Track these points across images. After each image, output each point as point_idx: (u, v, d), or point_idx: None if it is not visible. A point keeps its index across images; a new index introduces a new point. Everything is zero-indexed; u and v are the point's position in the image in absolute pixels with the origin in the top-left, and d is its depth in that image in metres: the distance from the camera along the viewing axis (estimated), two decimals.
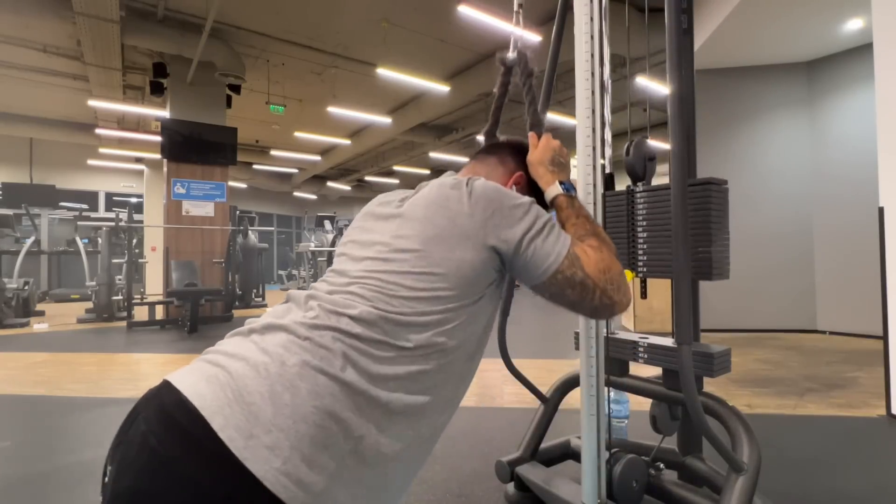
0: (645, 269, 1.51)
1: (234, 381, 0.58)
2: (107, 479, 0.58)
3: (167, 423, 0.56)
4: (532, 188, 0.94)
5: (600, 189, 1.35)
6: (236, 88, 7.08)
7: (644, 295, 1.69)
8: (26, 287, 7.11)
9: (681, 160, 1.22)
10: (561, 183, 0.89)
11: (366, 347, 0.63)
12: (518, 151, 0.98)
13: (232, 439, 0.53)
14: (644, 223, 1.51)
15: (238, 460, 0.52)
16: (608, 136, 1.48)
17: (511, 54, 1.16)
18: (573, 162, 1.04)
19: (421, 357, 0.66)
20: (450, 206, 0.75)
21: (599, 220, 1.35)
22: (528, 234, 0.73)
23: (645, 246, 1.50)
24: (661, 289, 5.18)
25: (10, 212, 8.82)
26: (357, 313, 0.65)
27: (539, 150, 0.95)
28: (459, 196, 0.75)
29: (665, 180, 1.44)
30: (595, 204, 1.33)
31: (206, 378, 0.59)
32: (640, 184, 1.56)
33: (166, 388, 0.60)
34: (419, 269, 0.69)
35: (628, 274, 1.52)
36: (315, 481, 0.54)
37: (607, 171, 1.53)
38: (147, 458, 0.54)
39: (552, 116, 8.28)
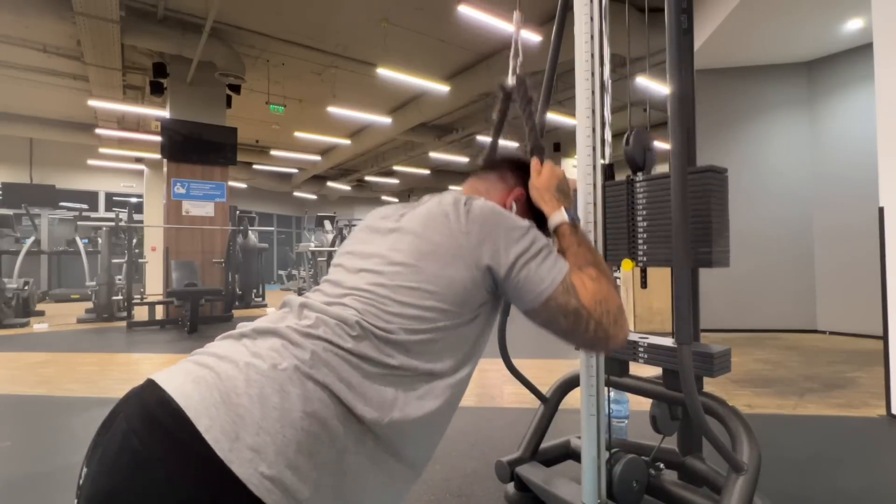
0: (645, 259, 1.50)
1: (223, 383, 0.57)
2: (82, 480, 0.56)
3: (150, 423, 0.55)
4: (531, 207, 0.94)
5: (600, 187, 1.35)
6: (236, 88, 7.08)
7: (644, 284, 1.68)
8: (26, 287, 7.11)
9: (681, 160, 1.22)
10: (566, 211, 0.89)
11: (356, 361, 0.62)
12: (518, 168, 0.97)
13: (217, 441, 0.52)
14: (644, 212, 1.51)
15: (223, 463, 0.51)
16: (608, 135, 1.48)
17: (511, 80, 1.16)
18: (573, 162, 1.04)
19: (407, 377, 0.65)
20: (447, 223, 0.74)
21: (599, 211, 1.34)
22: (523, 256, 0.72)
23: (645, 235, 1.50)
24: (661, 289, 5.18)
25: (10, 212, 8.83)
26: (349, 326, 0.64)
27: (545, 177, 0.94)
28: (457, 214, 0.75)
29: (664, 169, 1.44)
30: (595, 192, 1.33)
31: (193, 378, 0.58)
32: (639, 173, 1.55)
33: (150, 387, 0.59)
34: (411, 283, 0.69)
35: (628, 264, 1.51)
36: (300, 488, 0.54)
37: (607, 162, 1.53)
38: (128, 458, 0.53)
39: (552, 116, 8.28)
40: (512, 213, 0.80)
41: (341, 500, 0.58)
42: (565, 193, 0.93)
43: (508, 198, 0.92)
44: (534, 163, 0.98)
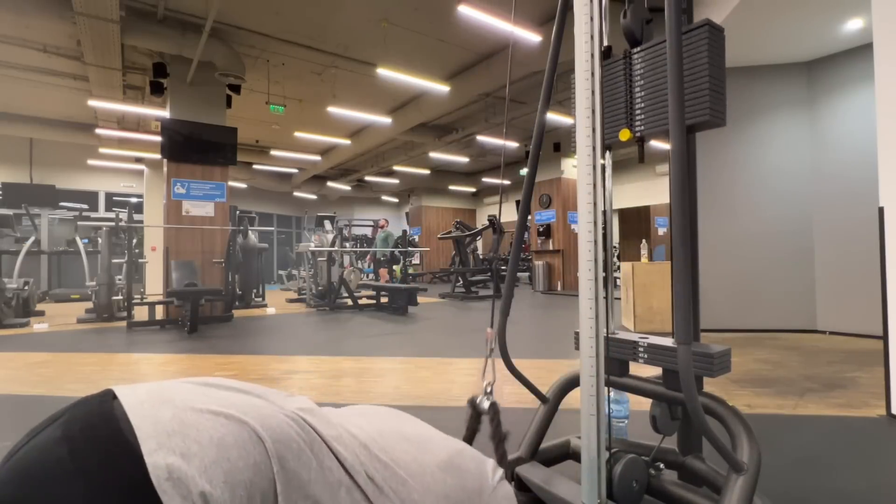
0: (642, 128, 1.49)
1: (186, 415, 0.54)
2: None
3: (89, 433, 0.51)
4: None
5: (601, 189, 1.34)
6: (236, 88, 7.09)
7: (641, 159, 1.65)
8: (26, 287, 7.11)
9: (681, 160, 1.22)
10: None
11: (317, 465, 0.60)
12: None
13: (156, 467, 0.48)
14: (641, 82, 1.49)
15: (155, 492, 0.47)
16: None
17: (485, 402, 1.18)
18: (573, 162, 1.03)
19: None
20: None
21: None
22: None
23: (642, 105, 1.48)
24: (661, 289, 5.18)
25: (10, 212, 8.83)
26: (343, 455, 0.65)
27: None
28: None
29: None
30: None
31: (157, 401, 0.55)
32: (637, 47, 1.54)
33: (104, 397, 0.56)
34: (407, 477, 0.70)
35: (625, 133, 1.50)
36: None
37: (605, 44, 1.51)
38: (49, 467, 0.48)
39: (552, 116, 8.28)
40: None
41: None
42: None
43: None
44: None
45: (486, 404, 1.18)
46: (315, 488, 0.58)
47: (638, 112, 1.49)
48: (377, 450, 0.68)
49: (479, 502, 0.74)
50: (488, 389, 1.19)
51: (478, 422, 1.20)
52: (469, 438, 1.22)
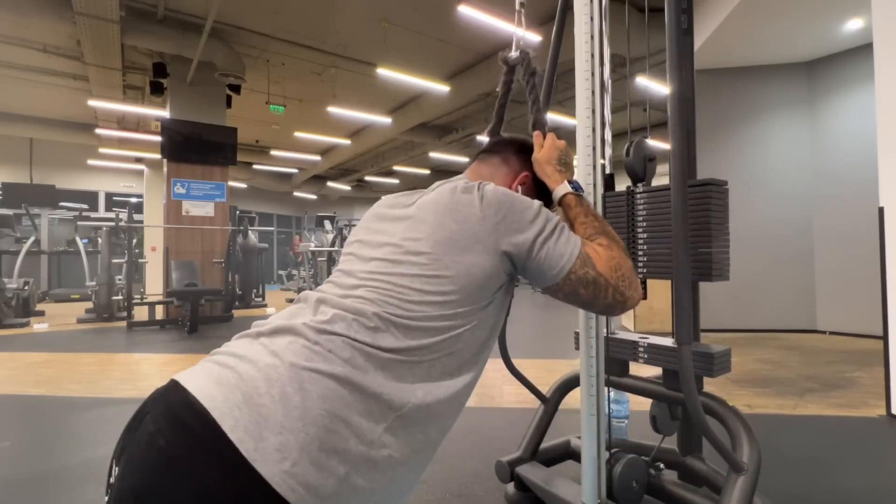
0: (645, 270, 1.51)
1: (244, 384, 0.58)
2: (112, 479, 0.58)
3: (175, 424, 0.56)
4: (537, 188, 0.94)
5: (601, 190, 1.35)
6: (236, 88, 7.09)
7: (644, 296, 1.69)
8: (26, 287, 7.11)
9: (681, 160, 1.22)
10: (569, 182, 0.90)
11: (376, 353, 0.63)
12: (521, 150, 0.97)
13: (242, 441, 0.53)
14: (644, 224, 1.51)
15: (247, 462, 0.52)
16: (608, 136, 1.48)
17: (514, 53, 1.14)
18: (574, 162, 1.04)
19: (429, 362, 0.66)
20: (461, 209, 0.75)
21: (599, 197, 1.34)
22: (540, 237, 0.74)
23: (645, 247, 1.51)
24: (661, 289, 5.17)
25: (10, 212, 8.82)
26: (367, 319, 0.65)
27: (546, 149, 0.95)
28: (471, 200, 0.75)
29: (665, 181, 1.45)
30: (596, 204, 1.33)
31: (216, 379, 0.59)
32: (640, 184, 1.56)
33: (174, 388, 0.60)
34: (430, 272, 0.69)
35: None
36: (324, 485, 0.54)
37: (608, 171, 1.53)
38: (154, 457, 0.54)
39: (552, 116, 8.28)
40: (519, 195, 0.81)
41: (369, 492, 0.58)
42: (567, 165, 0.94)
43: (514, 182, 0.93)
44: (536, 137, 0.99)
45: (513, 55, 1.13)
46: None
47: (640, 254, 1.52)
48: (385, 284, 0.70)
49: (482, 234, 0.73)
50: (520, 43, 1.15)
51: (511, 75, 1.17)
52: (505, 94, 1.19)
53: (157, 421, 0.57)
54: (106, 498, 0.58)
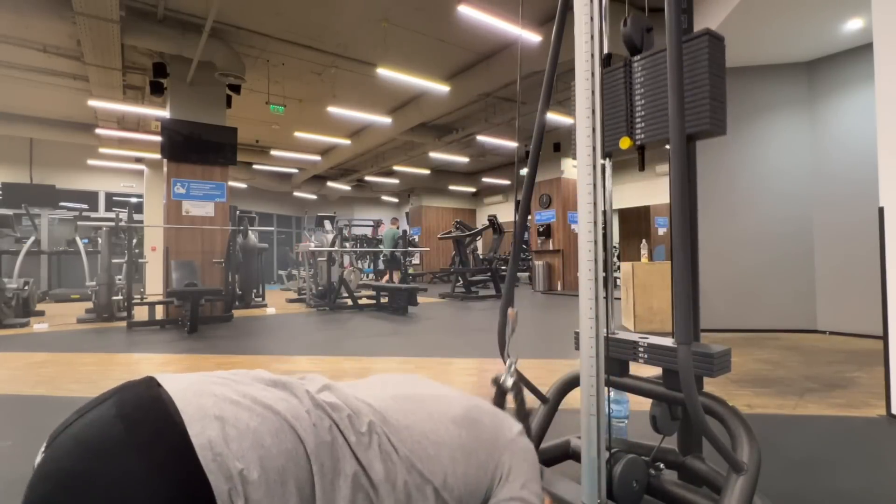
0: (643, 136, 1.49)
1: (221, 405, 0.59)
2: (40, 459, 0.55)
3: (141, 413, 0.55)
4: None
5: (601, 190, 1.34)
6: (236, 88, 7.09)
7: (642, 167, 1.65)
8: (26, 287, 7.11)
9: (681, 160, 1.22)
10: None
11: (349, 454, 0.64)
12: None
13: (202, 448, 0.53)
14: (641, 90, 1.49)
15: (202, 471, 0.52)
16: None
17: (509, 380, 1.18)
18: (573, 162, 1.03)
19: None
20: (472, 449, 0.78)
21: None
22: None
23: (643, 112, 1.49)
24: (660, 288, 5.18)
25: (10, 212, 8.82)
26: (360, 421, 0.67)
27: None
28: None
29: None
30: (593, 80, 1.33)
31: (196, 391, 0.60)
32: (637, 56, 1.54)
33: (149, 382, 0.60)
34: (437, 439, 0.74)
35: (625, 142, 1.50)
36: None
37: (605, 52, 1.52)
38: (108, 443, 0.52)
39: (552, 116, 8.28)
40: None
41: None
42: None
43: None
44: None
45: (509, 382, 1.17)
46: (341, 475, 0.62)
47: (638, 120, 1.50)
48: (392, 413, 0.71)
49: (495, 451, 0.76)
50: (511, 367, 1.19)
51: (503, 399, 1.21)
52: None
53: (123, 406, 0.56)
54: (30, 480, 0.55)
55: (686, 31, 1.57)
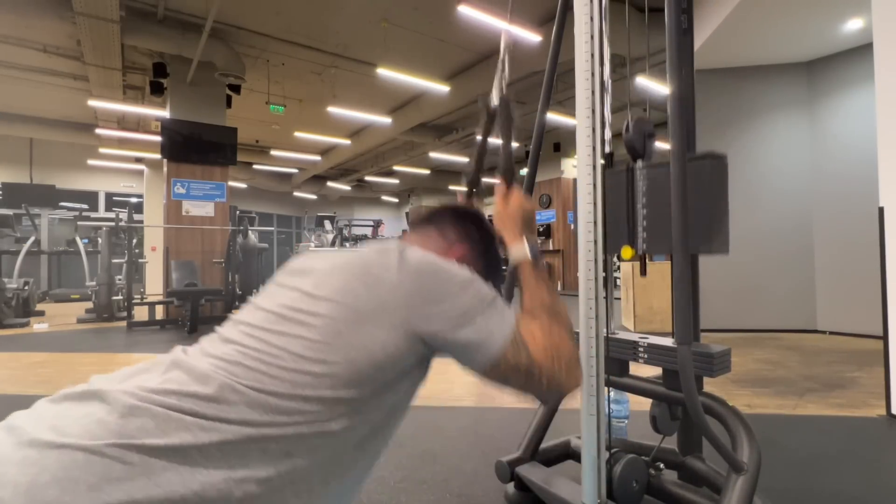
0: (645, 246, 1.50)
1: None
2: None
3: None
4: (480, 263, 0.84)
5: (600, 191, 1.34)
6: (236, 88, 7.09)
7: (643, 272, 1.68)
8: (26, 287, 7.11)
9: (681, 160, 1.22)
10: (529, 245, 0.84)
11: (208, 425, 0.51)
12: (461, 220, 0.87)
13: None
14: (644, 200, 1.51)
15: None
16: (608, 136, 1.48)
17: (495, 100, 1.10)
18: (573, 162, 1.03)
19: (281, 458, 0.53)
20: (373, 272, 0.64)
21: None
22: (465, 315, 0.63)
23: (645, 223, 1.50)
24: (660, 288, 5.18)
25: (10, 212, 8.82)
26: (207, 384, 0.54)
27: (514, 206, 0.89)
28: (387, 263, 0.64)
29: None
30: (595, 184, 1.33)
31: None
32: (639, 161, 1.55)
33: None
34: (314, 337, 0.58)
35: (627, 251, 1.51)
36: None
37: (607, 150, 1.53)
38: None
39: (552, 116, 8.28)
40: (448, 262, 0.69)
41: None
42: (530, 226, 0.88)
43: (448, 256, 0.79)
44: (499, 188, 0.92)
45: (496, 101, 1.08)
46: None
47: (641, 230, 1.51)
48: (251, 355, 0.58)
49: (383, 310, 0.61)
50: (502, 86, 1.08)
51: (491, 123, 1.12)
52: (484, 142, 1.16)
53: None
54: None
55: (686, 31, 1.57)
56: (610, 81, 1.49)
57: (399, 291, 0.62)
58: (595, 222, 1.36)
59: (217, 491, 0.49)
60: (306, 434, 0.55)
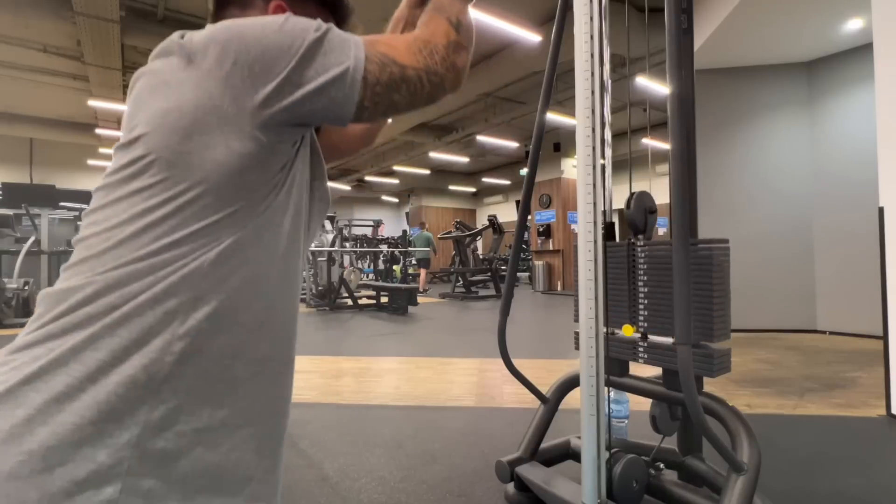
0: (646, 325, 1.52)
1: None
2: None
3: None
4: (305, 10, 0.67)
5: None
6: None
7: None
8: (26, 287, 7.11)
9: (681, 160, 1.22)
10: None
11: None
12: None
13: None
14: (645, 278, 1.53)
15: None
16: (608, 136, 1.48)
17: None
18: (573, 162, 1.04)
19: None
20: (163, 78, 0.50)
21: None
22: (300, 60, 0.49)
23: (646, 301, 1.52)
24: None
25: (10, 212, 8.82)
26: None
27: None
28: (170, 62, 0.50)
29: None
30: (596, 249, 1.33)
31: None
32: (640, 237, 1.58)
33: None
34: (141, 183, 0.48)
35: (628, 329, 1.54)
36: None
37: (608, 220, 1.55)
38: None
39: (552, 116, 8.28)
40: (245, 18, 0.54)
41: None
42: None
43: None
44: None
45: None
46: None
47: (641, 308, 1.53)
48: None
49: None
50: None
51: None
52: None
53: None
54: None
55: (686, 31, 1.57)
56: (610, 81, 1.49)
57: (209, 81, 0.48)
58: (595, 222, 1.36)
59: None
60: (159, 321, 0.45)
